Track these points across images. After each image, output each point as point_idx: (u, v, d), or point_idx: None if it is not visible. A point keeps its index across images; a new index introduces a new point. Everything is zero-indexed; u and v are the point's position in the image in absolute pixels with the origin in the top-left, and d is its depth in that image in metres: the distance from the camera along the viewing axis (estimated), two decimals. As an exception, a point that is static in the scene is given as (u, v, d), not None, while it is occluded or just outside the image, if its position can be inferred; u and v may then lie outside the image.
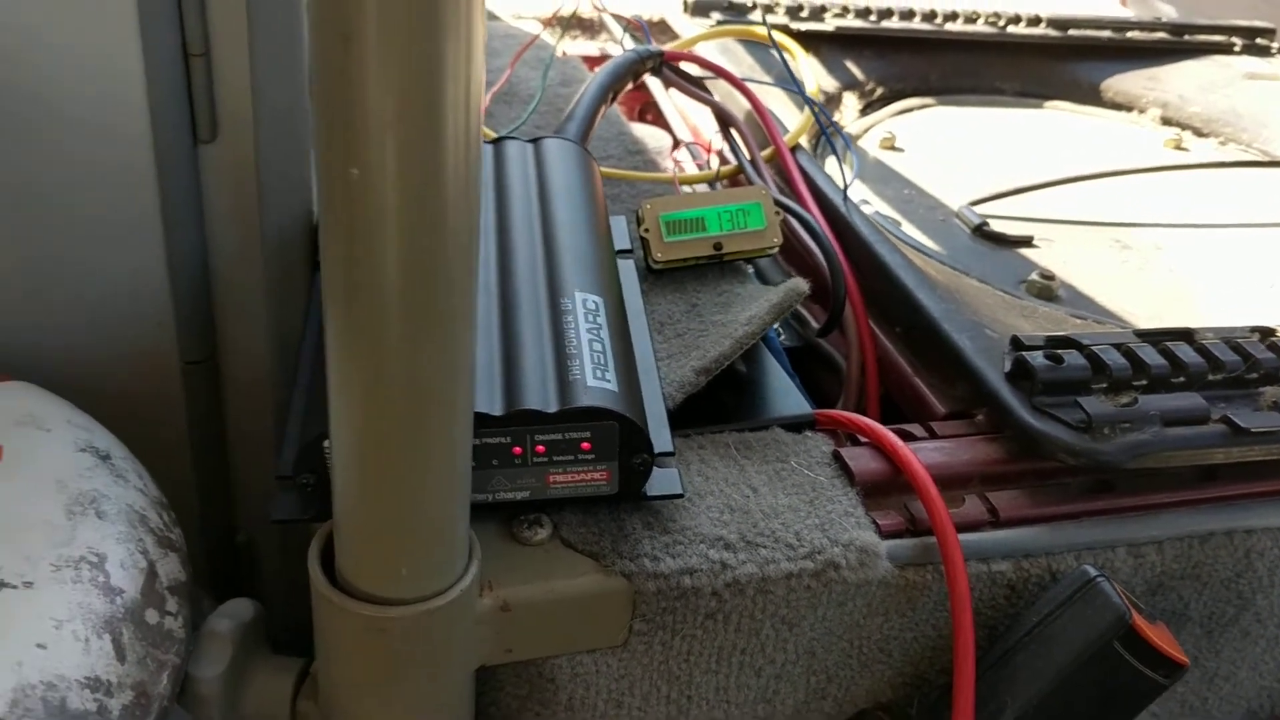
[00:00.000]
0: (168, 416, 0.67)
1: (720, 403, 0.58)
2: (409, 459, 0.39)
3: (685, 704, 0.52)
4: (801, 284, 0.59)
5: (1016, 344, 0.59)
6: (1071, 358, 0.57)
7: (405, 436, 0.39)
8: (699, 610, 0.49)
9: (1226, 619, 0.60)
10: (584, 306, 0.53)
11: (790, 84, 0.90)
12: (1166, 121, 1.08)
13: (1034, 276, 0.75)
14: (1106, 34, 1.16)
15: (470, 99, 0.33)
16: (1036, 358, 0.56)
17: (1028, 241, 0.82)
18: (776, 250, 0.66)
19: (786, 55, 0.92)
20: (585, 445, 0.48)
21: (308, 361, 0.56)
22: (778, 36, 0.93)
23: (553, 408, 0.47)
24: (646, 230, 0.65)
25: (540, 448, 0.48)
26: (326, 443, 0.46)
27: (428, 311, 0.36)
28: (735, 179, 0.82)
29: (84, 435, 0.53)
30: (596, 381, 0.48)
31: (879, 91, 1.05)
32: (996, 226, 0.83)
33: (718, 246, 0.65)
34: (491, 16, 1.10)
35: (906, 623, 0.53)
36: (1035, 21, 1.15)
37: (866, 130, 0.99)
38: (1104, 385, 0.56)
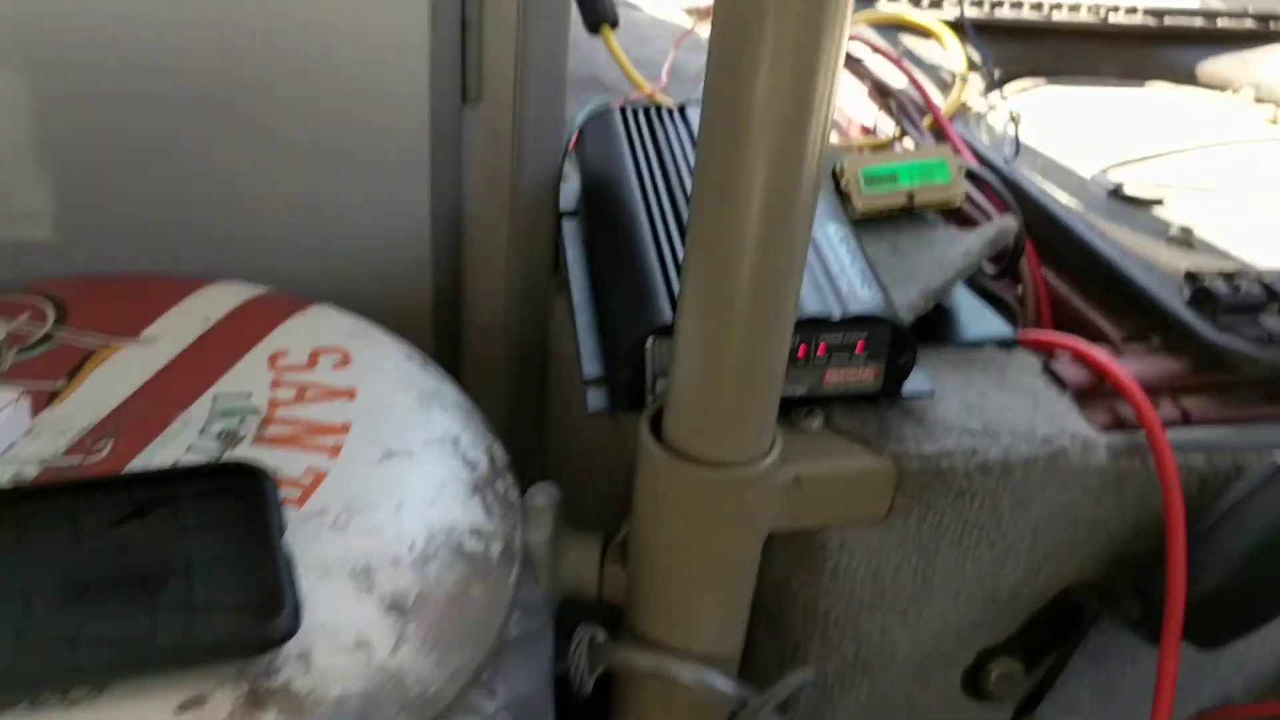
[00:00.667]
0: (416, 339, 0.76)
1: (932, 325, 0.67)
2: (749, 345, 0.48)
3: (929, 574, 0.60)
4: (1011, 221, 0.68)
5: (1192, 276, 0.67)
6: (1246, 284, 0.65)
7: (748, 328, 0.47)
8: (951, 489, 0.57)
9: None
10: (836, 234, 0.62)
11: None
12: (1260, 100, 1.16)
13: (1174, 232, 0.83)
14: (1199, 22, 1.25)
15: (826, 116, 0.42)
16: (1217, 284, 0.65)
17: (1160, 202, 0.90)
18: (960, 203, 0.74)
19: (936, 40, 1.01)
20: (859, 347, 0.56)
21: (582, 292, 0.65)
22: (935, 25, 1.02)
23: (836, 314, 0.55)
24: (847, 183, 0.74)
25: (821, 348, 0.56)
26: (648, 342, 0.55)
27: (778, 228, 0.45)
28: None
29: (401, 346, 0.62)
30: (866, 293, 0.57)
31: (996, 73, 1.13)
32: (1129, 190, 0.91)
33: (910, 197, 0.74)
34: (632, 7, 1.19)
35: (1113, 507, 0.62)
36: (1133, 10, 1.23)
37: (991, 108, 1.07)
38: (1277, 306, 0.65)
